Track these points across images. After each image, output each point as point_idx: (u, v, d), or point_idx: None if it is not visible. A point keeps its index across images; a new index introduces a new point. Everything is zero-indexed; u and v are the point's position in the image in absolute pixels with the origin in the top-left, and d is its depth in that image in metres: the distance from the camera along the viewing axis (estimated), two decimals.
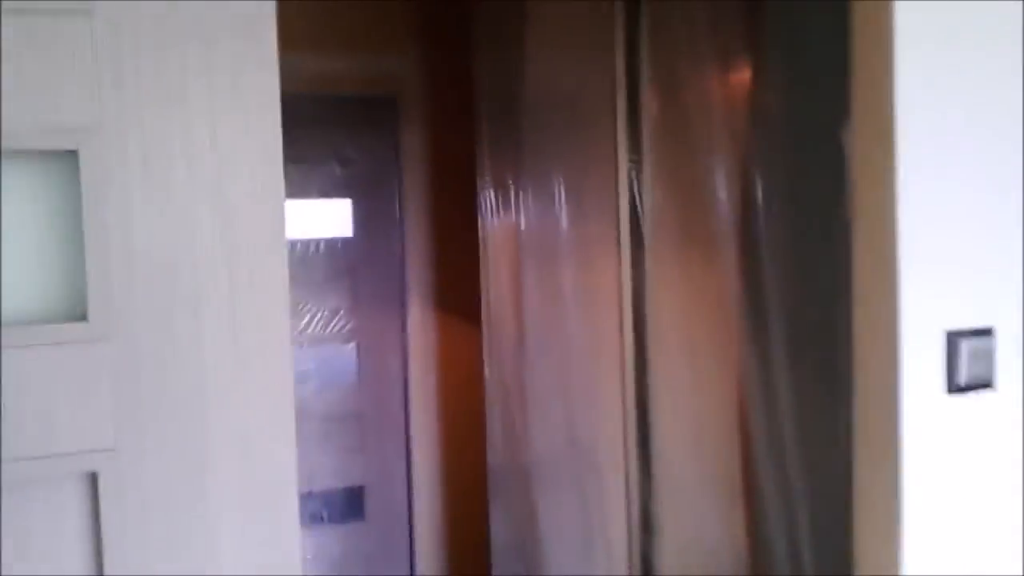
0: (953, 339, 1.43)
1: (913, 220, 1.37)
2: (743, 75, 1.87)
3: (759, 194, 1.79)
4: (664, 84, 2.09)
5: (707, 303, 2.02)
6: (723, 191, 1.91)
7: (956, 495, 1.44)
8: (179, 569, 1.06)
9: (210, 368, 1.06)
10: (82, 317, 1.03)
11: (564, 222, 2.39)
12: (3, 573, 1.01)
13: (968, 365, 1.44)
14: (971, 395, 1.44)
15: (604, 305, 2.25)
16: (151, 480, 1.06)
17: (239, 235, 1.07)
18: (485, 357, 2.71)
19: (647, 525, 2.21)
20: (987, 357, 1.46)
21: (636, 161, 2.15)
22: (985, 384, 1.45)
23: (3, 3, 0.94)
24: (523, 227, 2.55)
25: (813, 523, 1.65)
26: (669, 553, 2.17)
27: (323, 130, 2.84)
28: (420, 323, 2.89)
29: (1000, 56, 1.42)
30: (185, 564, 1.07)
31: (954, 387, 1.44)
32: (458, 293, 2.85)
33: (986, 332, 1.45)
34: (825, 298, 1.55)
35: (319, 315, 2.87)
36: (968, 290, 1.44)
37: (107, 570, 1.04)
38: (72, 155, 1.01)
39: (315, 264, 2.85)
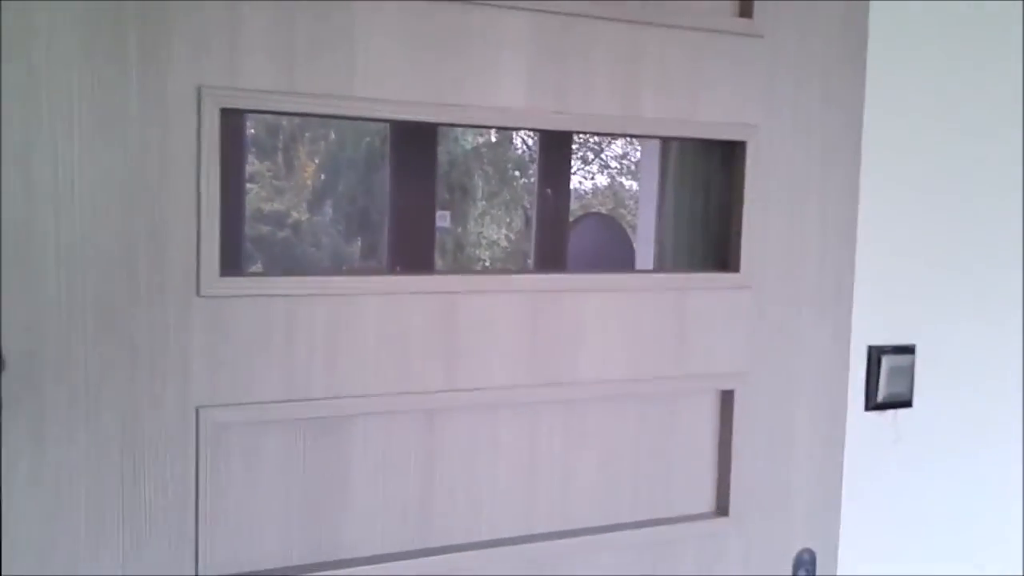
0: (875, 353, 1.48)
1: None
2: None
3: None
4: None
5: None
6: None
7: (868, 515, 1.52)
8: (771, 471, 1.41)
9: (802, 314, 1.39)
10: (734, 268, 1.35)
11: None
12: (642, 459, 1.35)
13: (888, 382, 1.48)
14: (888, 413, 1.50)
15: None
16: (765, 398, 1.38)
17: (828, 212, 1.41)
18: None
19: None
20: (907, 375, 1.50)
21: None
22: (904, 402, 1.50)
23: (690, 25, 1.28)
24: None
25: None
26: None
27: None
28: None
29: (945, 103, 1.53)
30: (774, 461, 1.41)
31: (872, 403, 1.48)
32: None
33: (908, 350, 1.50)
34: None
35: None
36: (893, 306, 1.50)
37: (734, 466, 1.38)
38: (739, 145, 1.34)
39: None
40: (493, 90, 1.18)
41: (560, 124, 1.22)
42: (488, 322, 1.20)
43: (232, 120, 1.08)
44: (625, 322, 1.29)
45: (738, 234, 1.35)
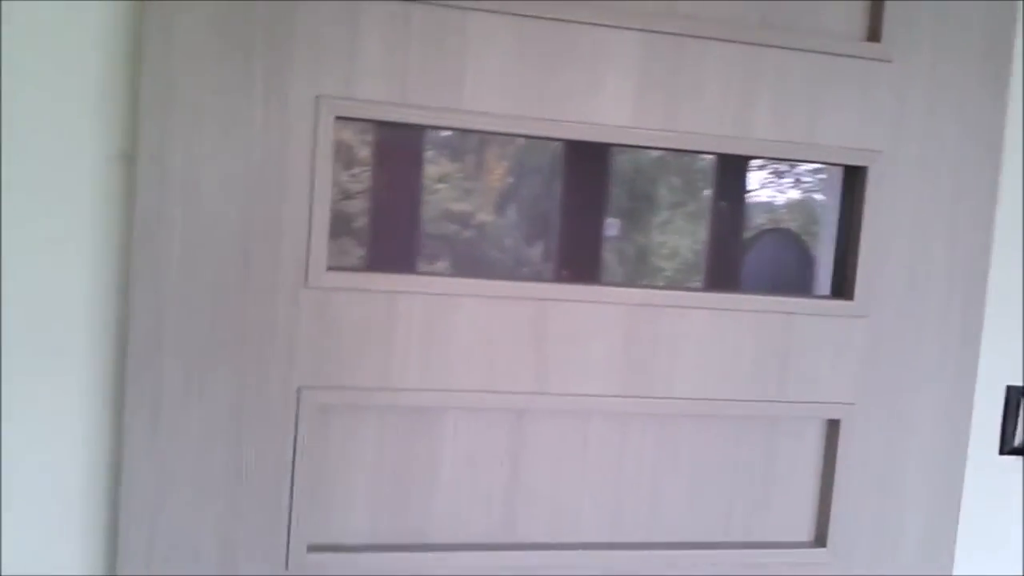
0: (1013, 394, 1.42)
1: None
2: None
3: None
4: None
5: None
6: None
7: (993, 563, 1.46)
8: (877, 506, 1.39)
9: (923, 349, 1.37)
10: (848, 296, 1.35)
11: None
12: (749, 483, 1.37)
13: None
14: None
15: None
16: (875, 432, 1.37)
17: (960, 240, 1.37)
18: None
19: None
20: None
21: None
22: None
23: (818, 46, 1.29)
24: None
25: None
26: None
27: None
28: None
29: None
30: (881, 497, 1.39)
31: (1008, 447, 1.42)
32: None
33: None
34: None
35: None
36: None
37: (835, 498, 1.36)
38: (860, 170, 1.34)
39: None
40: (598, 106, 1.22)
41: (665, 142, 1.25)
42: (580, 331, 1.25)
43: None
44: (726, 342, 1.30)
45: (854, 262, 1.33)
